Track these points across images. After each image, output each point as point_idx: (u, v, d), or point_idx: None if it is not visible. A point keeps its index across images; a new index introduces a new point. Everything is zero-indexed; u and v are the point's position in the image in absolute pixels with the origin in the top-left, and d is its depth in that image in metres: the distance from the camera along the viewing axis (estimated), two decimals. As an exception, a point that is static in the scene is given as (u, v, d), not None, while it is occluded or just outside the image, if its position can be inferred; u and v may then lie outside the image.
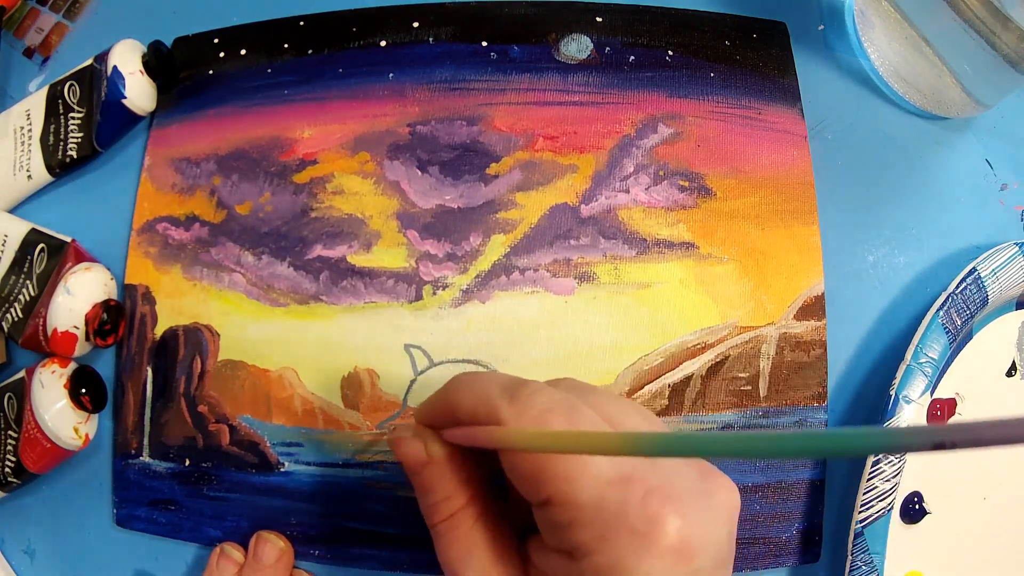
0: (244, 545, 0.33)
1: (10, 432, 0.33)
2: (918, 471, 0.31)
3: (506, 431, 0.21)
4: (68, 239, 0.35)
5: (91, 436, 0.34)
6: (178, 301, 0.35)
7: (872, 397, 0.32)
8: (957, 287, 0.31)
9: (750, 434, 0.15)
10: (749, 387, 0.32)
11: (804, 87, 0.35)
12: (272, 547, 0.32)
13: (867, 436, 0.13)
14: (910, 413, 0.30)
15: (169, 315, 0.35)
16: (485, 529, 0.25)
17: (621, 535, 0.20)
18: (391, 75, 0.36)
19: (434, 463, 0.25)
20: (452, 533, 0.25)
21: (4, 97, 0.41)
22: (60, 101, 0.37)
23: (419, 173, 0.35)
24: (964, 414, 0.32)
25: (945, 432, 0.12)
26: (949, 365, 0.32)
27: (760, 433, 0.17)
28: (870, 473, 0.29)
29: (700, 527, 0.20)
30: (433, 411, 0.25)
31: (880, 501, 0.30)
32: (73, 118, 0.37)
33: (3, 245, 0.36)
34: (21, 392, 0.33)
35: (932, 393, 0.31)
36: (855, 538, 0.29)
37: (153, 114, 0.38)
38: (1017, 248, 0.32)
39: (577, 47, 0.36)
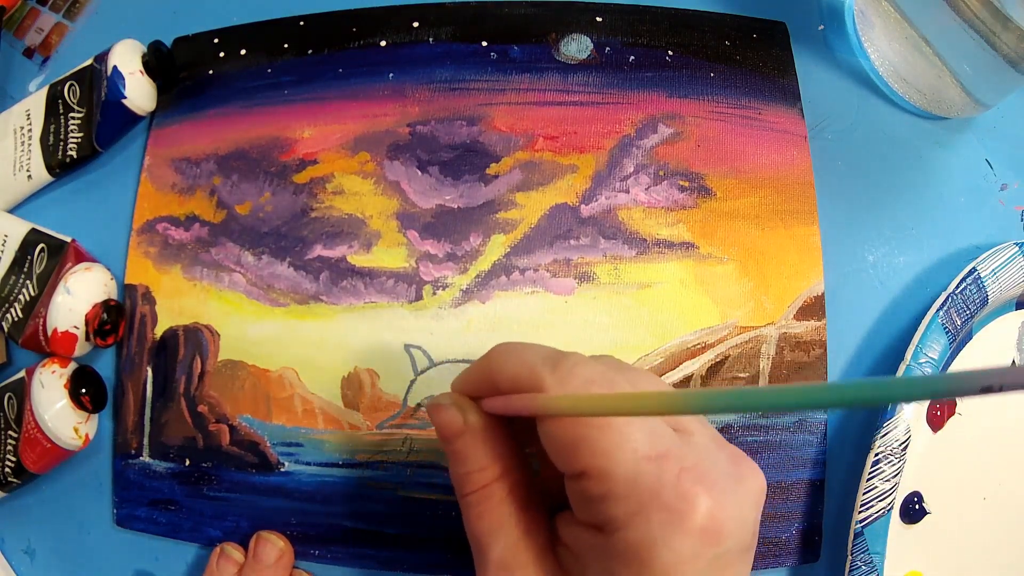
0: (244, 545, 0.33)
1: (10, 432, 0.33)
2: (918, 471, 0.31)
3: (551, 397, 0.21)
4: (68, 239, 0.35)
5: (91, 436, 0.34)
6: (178, 301, 0.35)
7: (872, 397, 0.32)
8: (957, 287, 0.31)
9: (799, 386, 0.15)
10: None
11: (804, 87, 0.35)
12: (272, 547, 0.32)
13: (923, 383, 0.13)
14: (910, 413, 0.30)
15: (169, 315, 0.35)
16: (516, 503, 0.24)
17: (653, 511, 0.20)
18: (391, 75, 0.36)
19: (470, 432, 0.24)
20: (483, 505, 0.24)
21: (4, 97, 0.41)
22: (60, 101, 0.37)
23: (419, 173, 0.35)
24: (964, 414, 0.32)
25: (993, 376, 0.12)
26: (949, 365, 0.32)
27: (811, 385, 0.17)
28: (870, 473, 0.29)
29: (730, 509, 0.21)
30: (472, 380, 0.25)
31: (880, 501, 0.30)
32: (73, 118, 0.37)
33: (3, 245, 0.36)
34: (21, 392, 0.33)
35: (932, 393, 0.31)
36: (855, 538, 0.29)
37: (153, 114, 0.38)
38: (1017, 248, 0.32)
39: (577, 47, 0.36)
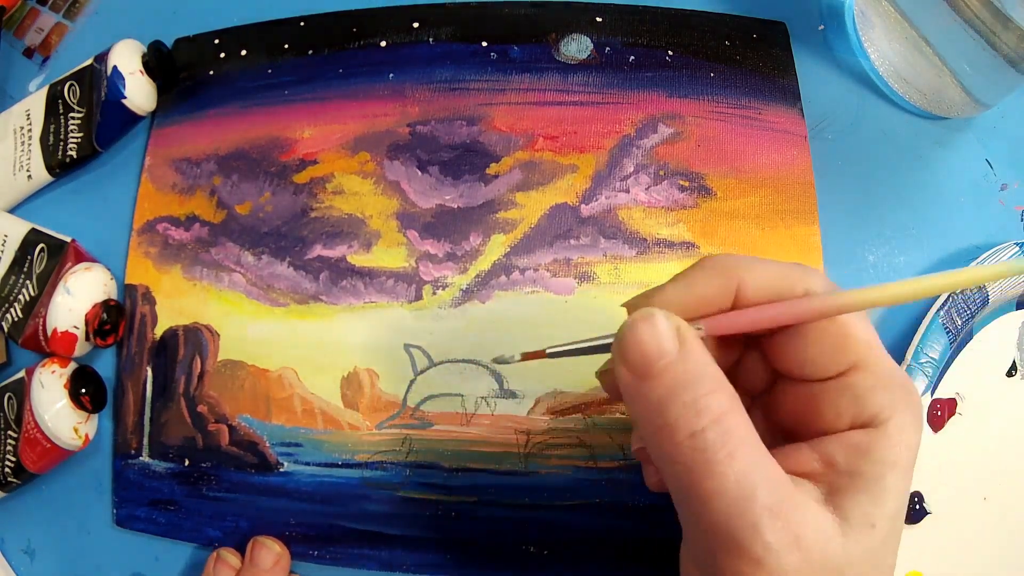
0: (241, 549, 0.33)
1: (10, 432, 0.33)
2: (918, 471, 0.31)
3: (843, 294, 0.21)
4: (68, 239, 0.35)
5: (91, 436, 0.34)
6: (178, 301, 0.35)
7: (872, 397, 0.32)
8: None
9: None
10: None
11: (804, 87, 0.35)
12: (269, 552, 0.32)
13: None
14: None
15: (169, 315, 0.35)
16: (758, 433, 0.20)
17: (903, 399, 0.21)
18: (391, 75, 0.36)
19: (691, 352, 0.20)
20: (732, 439, 0.19)
21: (4, 97, 0.41)
22: (60, 101, 0.37)
23: (419, 173, 0.35)
24: (964, 414, 0.32)
25: None
26: (949, 365, 0.32)
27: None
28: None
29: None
30: (692, 293, 0.22)
31: (880, 501, 0.29)
32: (73, 118, 0.37)
33: (3, 245, 0.36)
34: (21, 392, 0.33)
35: (932, 393, 0.31)
36: (855, 538, 0.29)
37: (153, 114, 0.38)
38: (1017, 248, 0.32)
39: (577, 47, 0.36)
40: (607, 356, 0.22)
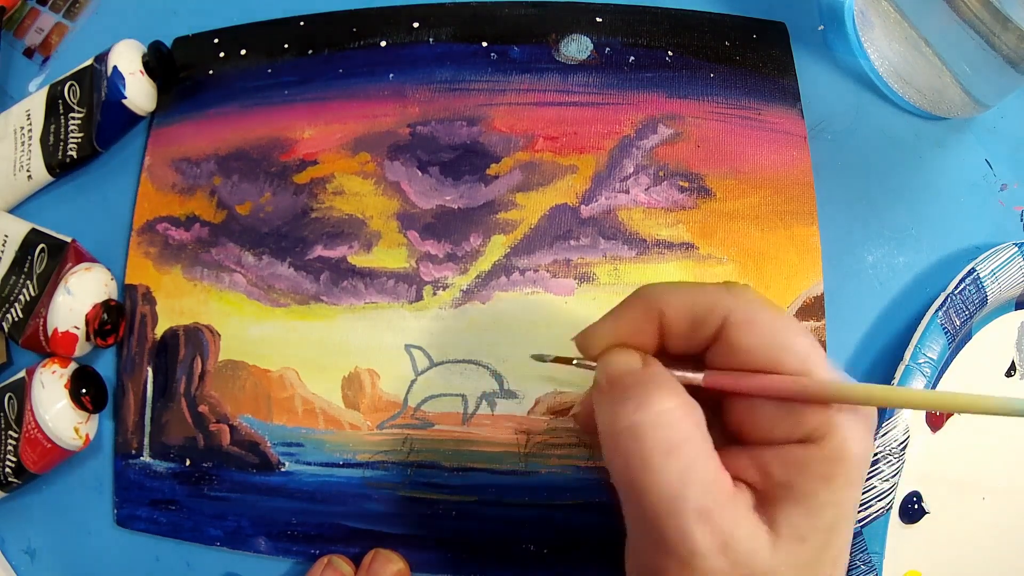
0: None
1: (10, 432, 0.33)
2: (917, 471, 0.31)
3: (844, 387, 0.20)
4: (68, 239, 0.35)
5: (91, 436, 0.34)
6: (178, 301, 0.36)
7: (871, 397, 0.32)
8: (956, 287, 0.31)
9: None
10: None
11: (804, 87, 0.35)
12: (390, 566, 0.31)
13: None
14: (909, 413, 0.30)
15: (169, 315, 0.35)
16: (704, 438, 0.21)
17: (851, 412, 0.21)
18: (391, 75, 0.36)
19: (651, 368, 0.22)
20: (672, 435, 0.20)
21: (4, 97, 0.41)
22: (60, 101, 0.37)
23: (419, 173, 0.35)
24: (963, 414, 0.32)
25: None
26: (948, 365, 0.32)
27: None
28: (869, 473, 0.30)
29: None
30: (619, 328, 0.23)
31: (879, 501, 0.30)
32: (73, 118, 0.37)
33: (3, 245, 0.36)
34: (21, 392, 0.33)
35: (931, 393, 0.31)
36: (854, 537, 0.29)
37: (153, 114, 0.38)
38: (1016, 248, 0.32)
39: (577, 47, 0.36)
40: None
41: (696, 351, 0.23)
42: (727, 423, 0.23)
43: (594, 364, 0.24)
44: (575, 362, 0.24)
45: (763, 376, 0.22)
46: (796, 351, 0.21)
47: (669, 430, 0.20)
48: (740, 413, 0.23)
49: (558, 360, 0.25)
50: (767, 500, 0.21)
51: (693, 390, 0.22)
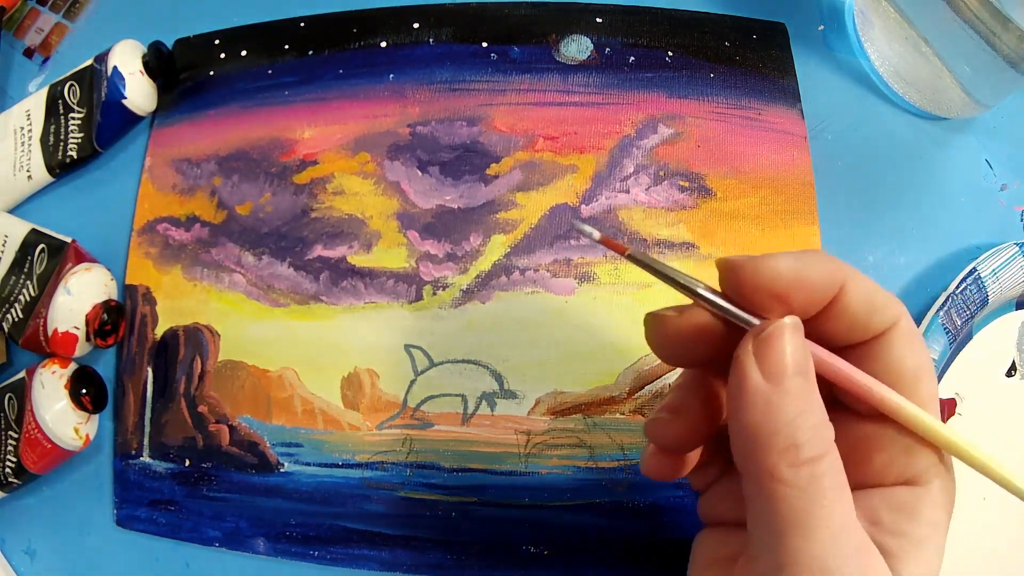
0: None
1: (11, 432, 0.33)
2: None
3: (941, 431, 0.19)
4: (68, 239, 0.35)
5: (91, 436, 0.34)
6: (178, 301, 0.35)
7: (872, 397, 0.32)
8: (957, 287, 0.31)
9: None
10: None
11: (804, 87, 0.35)
12: None
13: None
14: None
15: (169, 315, 0.35)
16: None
17: (948, 459, 0.20)
18: (391, 76, 0.36)
19: (812, 376, 0.19)
20: (832, 478, 0.18)
21: (4, 97, 0.41)
22: (60, 101, 0.37)
23: (419, 173, 0.35)
24: (964, 414, 0.32)
25: None
26: (949, 365, 0.32)
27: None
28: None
29: None
30: (799, 272, 0.19)
31: (880, 501, 0.29)
32: (73, 118, 0.37)
33: (3, 245, 0.36)
34: (21, 392, 0.33)
35: (932, 393, 0.31)
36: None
37: (154, 114, 0.38)
38: (1017, 248, 0.32)
39: (577, 48, 0.36)
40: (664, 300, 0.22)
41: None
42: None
43: (734, 309, 0.20)
44: (629, 253, 0.20)
45: (862, 374, 0.20)
46: (925, 393, 0.20)
47: (838, 475, 0.18)
48: (851, 443, 0.20)
49: (605, 241, 0.21)
50: (886, 553, 0.19)
51: None
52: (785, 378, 0.18)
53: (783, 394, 0.18)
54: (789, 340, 0.19)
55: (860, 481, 0.20)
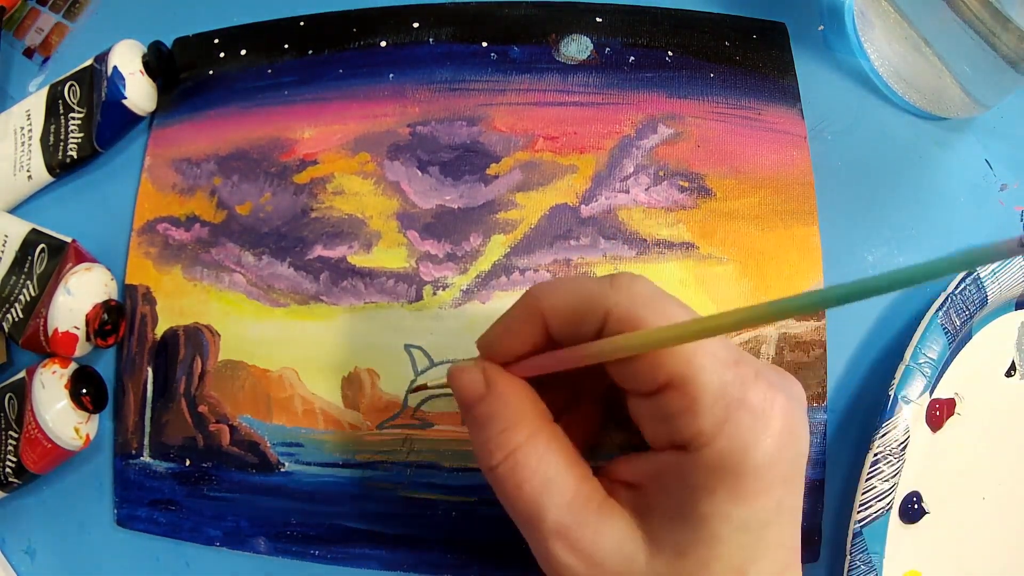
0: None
1: (11, 432, 0.33)
2: (917, 471, 0.31)
3: (626, 337, 0.20)
4: (68, 239, 0.35)
5: (92, 436, 0.34)
6: (178, 301, 0.36)
7: (871, 397, 0.32)
8: (956, 288, 0.31)
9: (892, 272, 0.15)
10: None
11: (804, 87, 0.35)
12: None
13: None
14: (909, 413, 0.30)
15: (169, 315, 0.35)
16: (556, 459, 0.21)
17: (743, 416, 0.19)
18: (391, 76, 0.36)
19: (493, 394, 0.22)
20: (520, 471, 0.21)
21: (4, 97, 0.41)
22: (60, 101, 0.37)
23: (419, 173, 0.35)
24: (963, 414, 0.32)
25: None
26: (948, 365, 0.32)
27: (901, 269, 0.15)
28: (869, 473, 0.30)
29: (796, 411, 0.20)
30: (513, 327, 0.23)
31: (879, 501, 0.30)
32: (73, 118, 0.37)
33: (3, 245, 0.36)
34: (22, 392, 0.33)
35: (931, 393, 0.31)
36: (854, 538, 0.29)
37: (153, 114, 0.38)
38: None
39: (577, 47, 0.36)
40: None
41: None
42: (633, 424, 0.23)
43: (445, 388, 0.25)
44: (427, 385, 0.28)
45: (546, 355, 0.22)
46: (681, 355, 0.20)
47: (519, 467, 0.21)
48: (633, 415, 0.22)
49: (417, 389, 0.27)
50: (644, 510, 0.21)
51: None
52: (472, 408, 0.23)
53: (471, 421, 0.23)
54: (455, 380, 0.23)
55: (652, 443, 0.22)
